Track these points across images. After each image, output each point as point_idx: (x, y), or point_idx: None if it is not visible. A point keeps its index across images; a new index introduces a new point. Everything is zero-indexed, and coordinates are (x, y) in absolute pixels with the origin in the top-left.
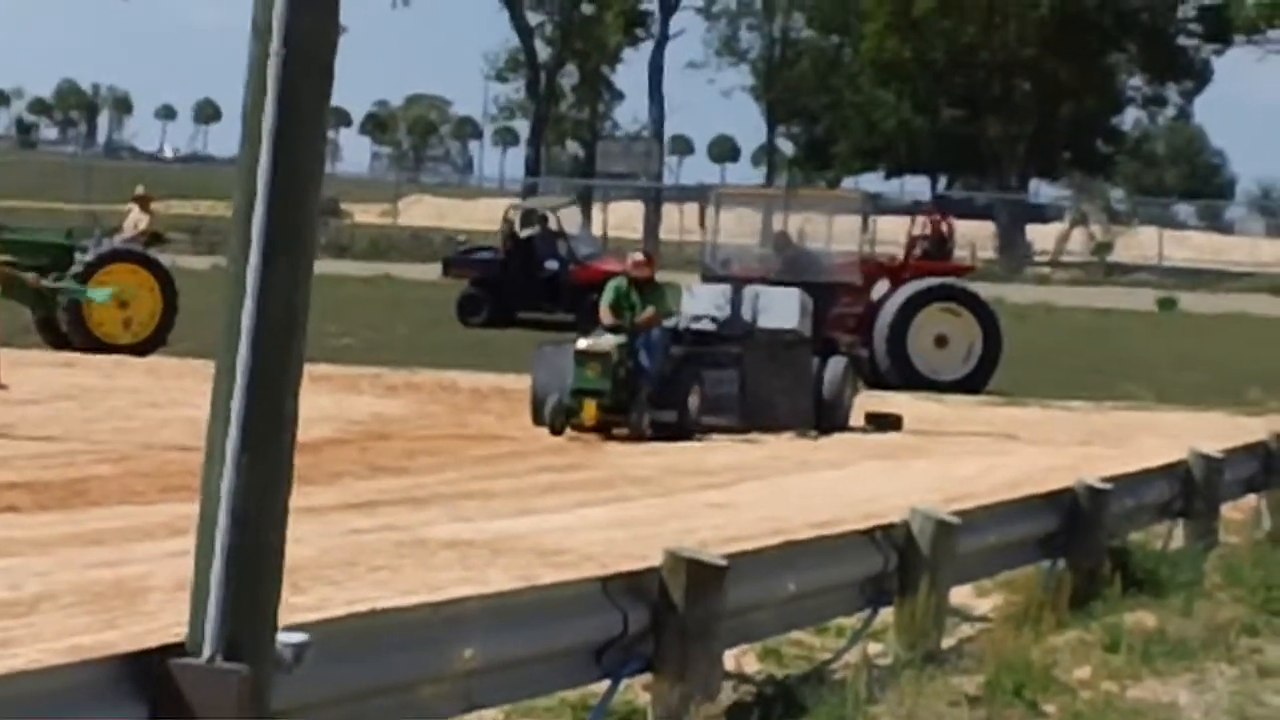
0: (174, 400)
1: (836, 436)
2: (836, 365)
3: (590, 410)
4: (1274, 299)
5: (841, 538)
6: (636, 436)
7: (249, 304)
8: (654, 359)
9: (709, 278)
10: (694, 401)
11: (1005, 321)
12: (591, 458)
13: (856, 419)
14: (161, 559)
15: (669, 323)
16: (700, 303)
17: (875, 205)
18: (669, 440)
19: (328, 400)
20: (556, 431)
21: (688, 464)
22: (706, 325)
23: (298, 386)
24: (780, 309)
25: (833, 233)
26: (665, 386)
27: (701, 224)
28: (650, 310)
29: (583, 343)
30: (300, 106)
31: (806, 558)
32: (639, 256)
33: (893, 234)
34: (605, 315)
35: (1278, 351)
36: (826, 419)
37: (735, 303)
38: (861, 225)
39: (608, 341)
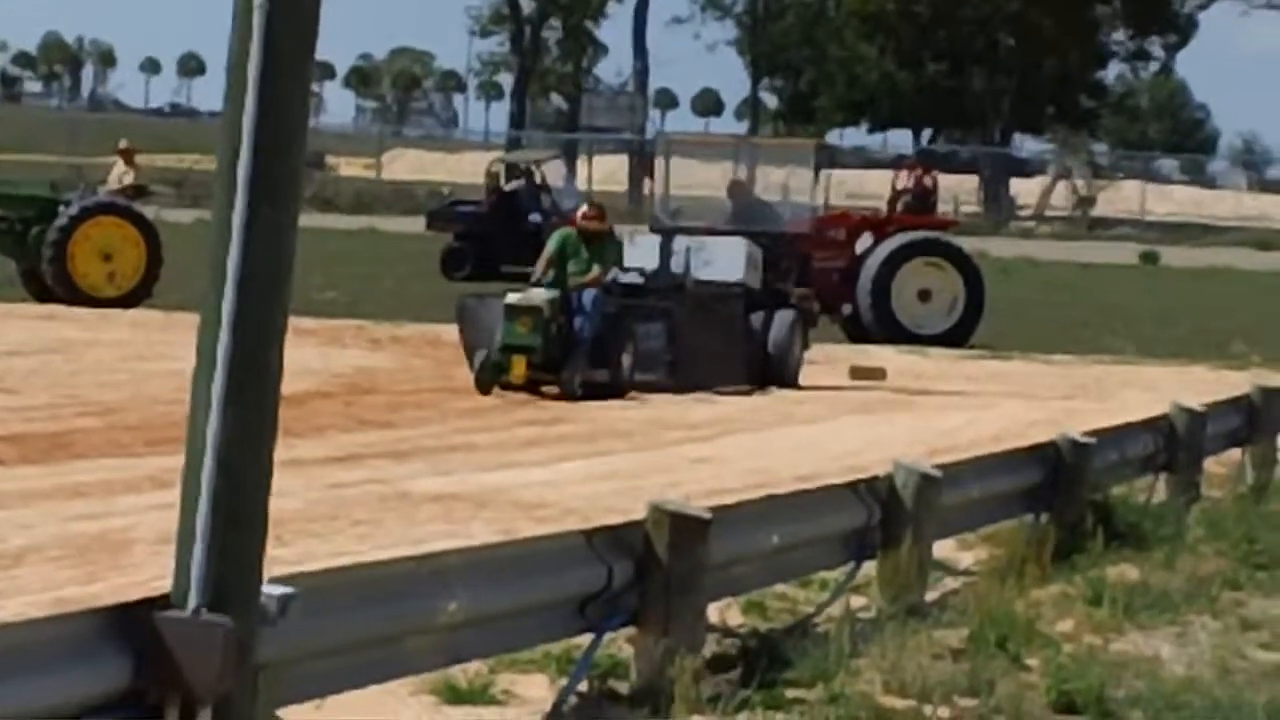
0: (159, 353)
1: (807, 390)
2: (784, 319)
3: (519, 367)
4: (1256, 253)
5: (825, 491)
6: (568, 396)
7: (234, 256)
8: (590, 319)
9: (658, 229)
10: (627, 360)
11: (988, 275)
12: (574, 411)
13: (840, 376)
14: (146, 512)
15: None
16: (642, 254)
17: (829, 154)
18: (601, 399)
19: (312, 353)
20: (484, 390)
21: (671, 418)
22: (634, 278)
23: (283, 338)
24: (725, 261)
25: (786, 182)
26: (597, 344)
27: (650, 173)
28: (596, 270)
29: (513, 297)
30: (284, 59)
31: (790, 511)
32: (588, 209)
33: (876, 188)
34: (541, 265)
35: (1260, 305)
36: (773, 375)
37: (664, 255)
38: (814, 175)
39: (539, 295)
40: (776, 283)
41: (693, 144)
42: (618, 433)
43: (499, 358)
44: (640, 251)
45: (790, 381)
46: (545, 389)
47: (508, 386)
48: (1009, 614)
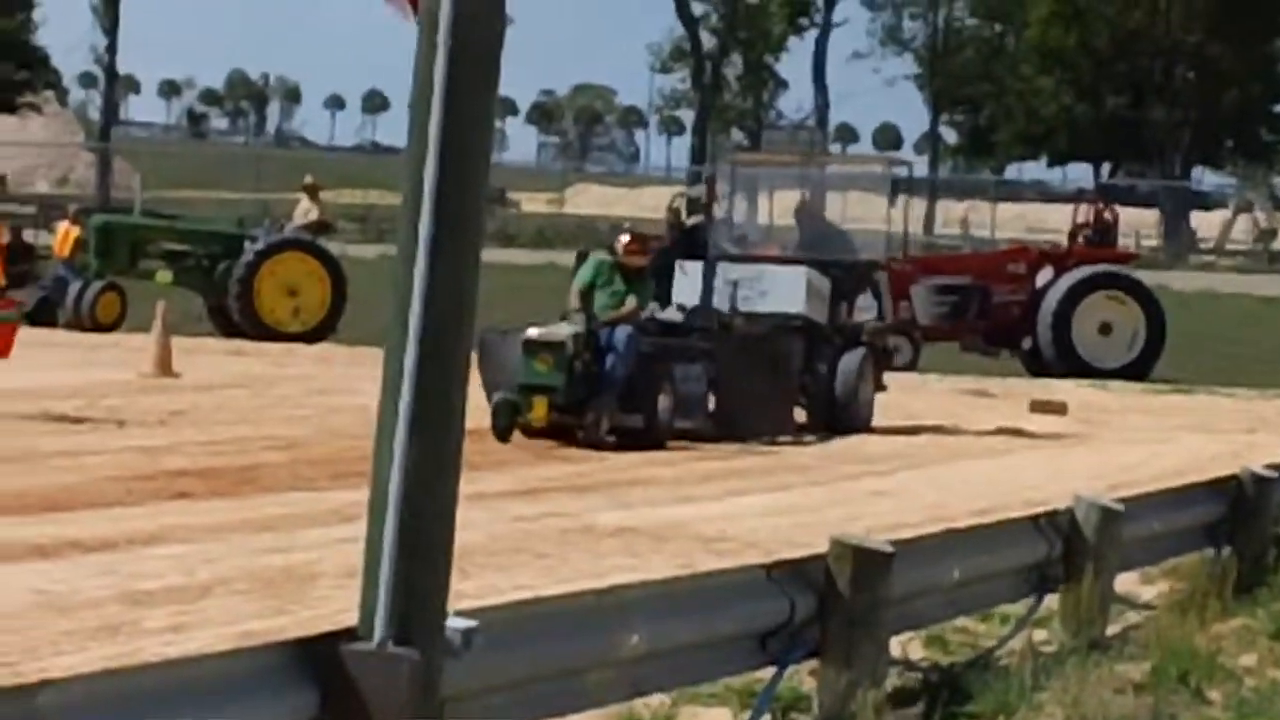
0: (343, 388)
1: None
2: (853, 358)
3: (539, 409)
4: None
5: (1006, 524)
6: (593, 443)
7: (418, 292)
8: (623, 359)
9: (718, 257)
10: (664, 404)
11: (1169, 309)
12: (750, 445)
13: (1021, 411)
14: (331, 545)
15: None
16: (693, 285)
17: (909, 175)
18: (636, 450)
19: None
20: (501, 436)
21: (847, 452)
22: (673, 315)
23: (466, 373)
24: (784, 292)
25: (860, 206)
26: (630, 387)
27: (711, 196)
28: (632, 303)
29: (533, 331)
30: (467, 96)
31: (971, 545)
32: (626, 239)
33: (1056, 222)
34: (574, 297)
35: None
36: (839, 418)
37: (707, 287)
38: (889, 197)
39: (562, 330)
40: (847, 315)
41: (759, 164)
42: (795, 467)
43: (516, 398)
44: (691, 282)
45: (859, 426)
46: (575, 433)
47: (529, 431)
48: (1191, 648)
